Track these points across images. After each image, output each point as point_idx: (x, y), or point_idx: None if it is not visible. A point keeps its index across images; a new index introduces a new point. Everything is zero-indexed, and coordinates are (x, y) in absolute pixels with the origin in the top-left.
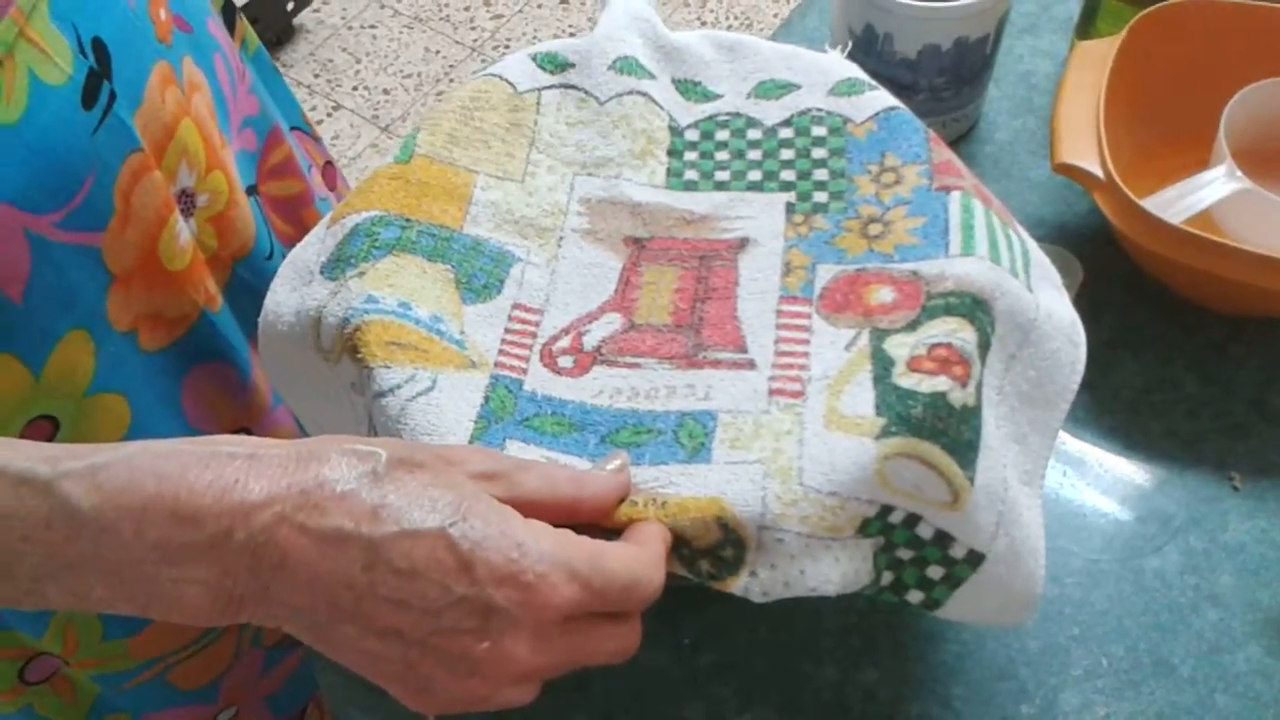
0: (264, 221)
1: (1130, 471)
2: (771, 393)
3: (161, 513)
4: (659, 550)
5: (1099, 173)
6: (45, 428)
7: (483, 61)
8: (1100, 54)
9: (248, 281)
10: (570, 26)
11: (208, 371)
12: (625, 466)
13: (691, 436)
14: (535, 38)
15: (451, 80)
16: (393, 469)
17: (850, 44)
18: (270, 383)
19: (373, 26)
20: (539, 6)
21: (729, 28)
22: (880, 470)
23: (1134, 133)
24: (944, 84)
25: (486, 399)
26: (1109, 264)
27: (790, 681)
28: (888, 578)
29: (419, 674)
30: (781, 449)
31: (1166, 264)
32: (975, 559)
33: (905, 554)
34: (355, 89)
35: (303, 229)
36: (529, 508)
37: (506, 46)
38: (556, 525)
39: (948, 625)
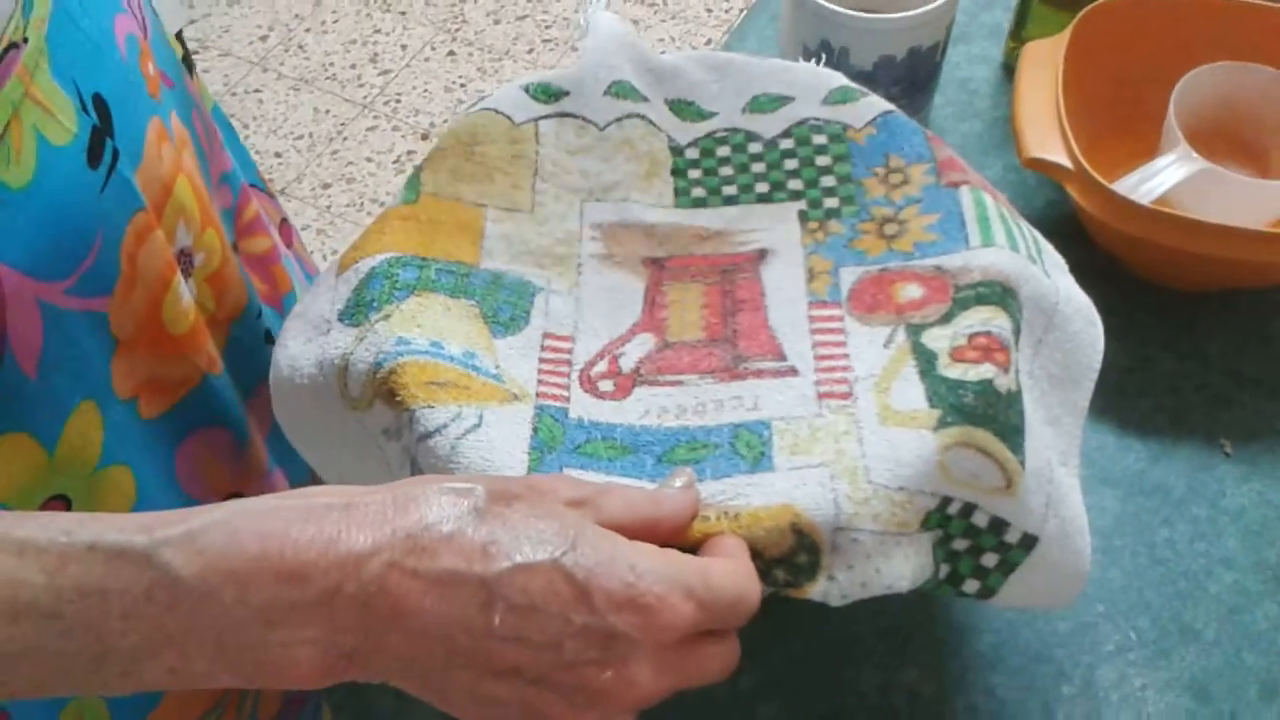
0: (247, 280)
1: (1127, 450)
2: (820, 396)
3: (266, 574)
4: (749, 562)
5: (1067, 163)
6: (58, 509)
7: (375, 118)
8: (1047, 53)
9: (243, 342)
10: (460, 78)
11: (204, 437)
12: (693, 482)
13: (749, 447)
14: (425, 91)
15: (345, 139)
16: (493, 503)
17: (823, 58)
18: (275, 448)
19: (257, 91)
20: (425, 60)
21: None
22: (942, 461)
23: (1084, 125)
24: (899, 93)
25: (535, 430)
26: (1071, 253)
27: (834, 690)
28: (944, 570)
29: (536, 712)
30: (844, 449)
31: (1136, 245)
32: (1029, 542)
33: (961, 544)
34: None
35: (274, 286)
36: (614, 530)
37: (398, 101)
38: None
39: (980, 616)
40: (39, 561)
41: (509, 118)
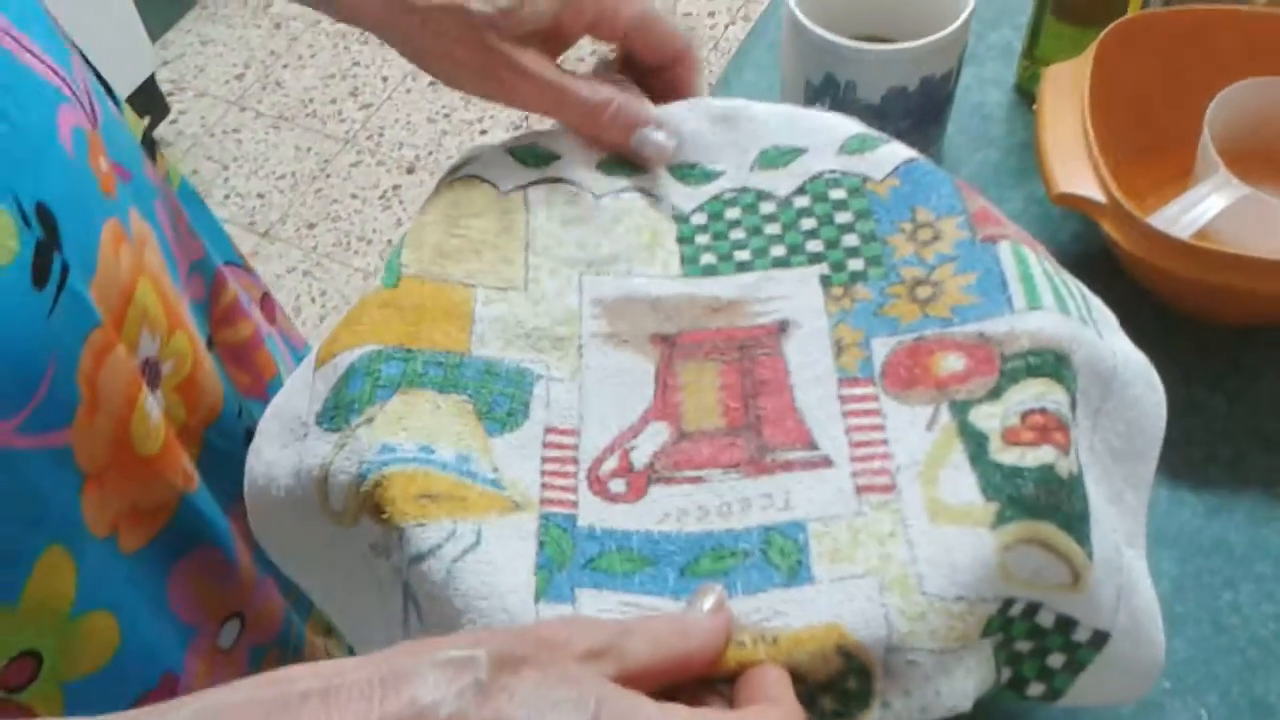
0: (226, 378)
1: (1181, 505)
2: (859, 490)
3: None
4: (794, 703)
5: (1100, 197)
6: (27, 665)
7: (358, 153)
8: (1069, 78)
9: (221, 448)
10: (444, 107)
11: (192, 562)
12: (723, 601)
13: (784, 554)
14: (409, 123)
15: (328, 176)
16: (497, 673)
17: (828, 102)
18: (262, 555)
19: (236, 131)
20: (407, 91)
21: None
22: (1002, 563)
23: (1110, 152)
24: (909, 126)
25: (541, 544)
26: (1106, 290)
27: None
28: (1006, 674)
29: None
30: (890, 555)
31: (1179, 282)
32: (1099, 639)
33: (1024, 646)
34: (227, 197)
35: (257, 375)
36: (642, 678)
37: (381, 135)
38: (669, 686)
39: (1033, 706)
40: None
41: (494, 185)
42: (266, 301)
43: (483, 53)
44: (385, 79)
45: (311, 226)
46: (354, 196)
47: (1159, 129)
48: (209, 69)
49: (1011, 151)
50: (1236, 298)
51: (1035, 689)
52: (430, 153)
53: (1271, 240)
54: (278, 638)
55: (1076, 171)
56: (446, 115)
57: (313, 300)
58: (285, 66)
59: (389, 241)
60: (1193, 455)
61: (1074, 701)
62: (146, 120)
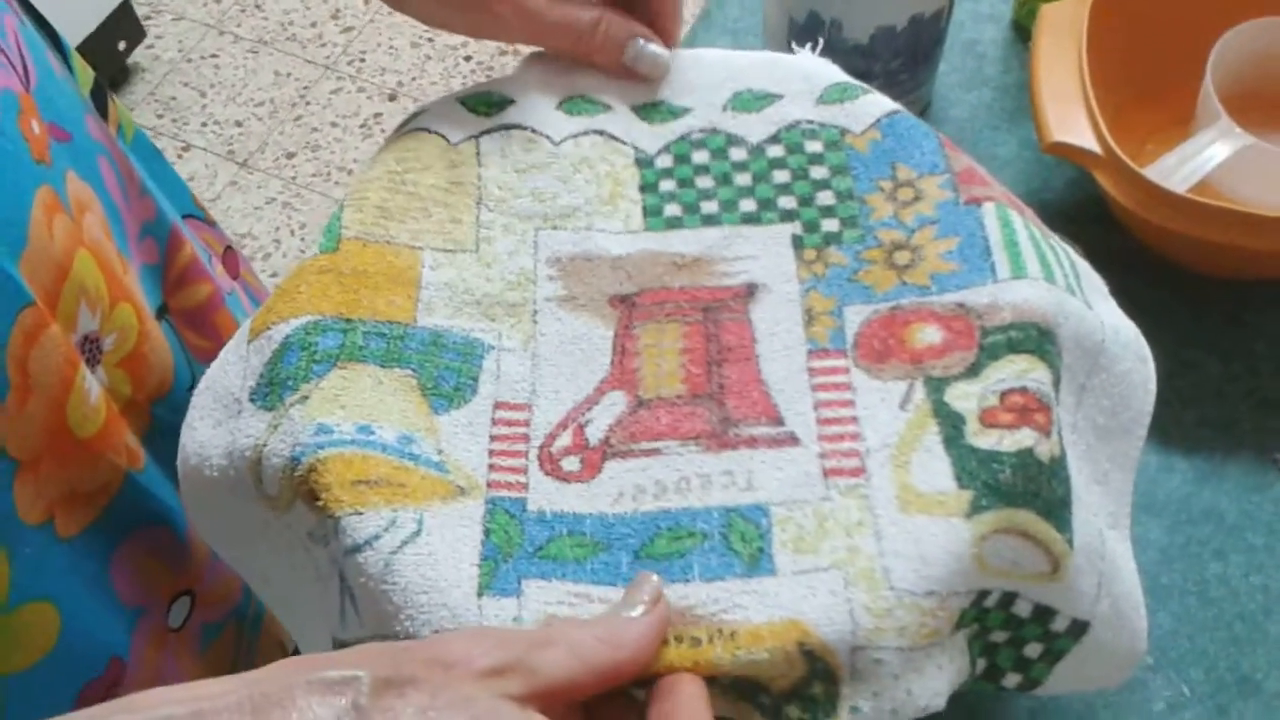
0: (180, 347)
1: (1171, 472)
2: (826, 473)
3: None
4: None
5: (1095, 148)
6: None
7: (338, 79)
8: (1067, 18)
9: (171, 424)
10: (427, 32)
11: (137, 541)
12: (658, 596)
13: (745, 540)
14: (391, 48)
15: (308, 103)
16: (379, 696)
17: (821, 42)
18: (202, 539)
19: (214, 56)
20: (390, 14)
21: None
22: (978, 554)
23: (1108, 99)
24: (899, 67)
25: (487, 532)
26: (1101, 241)
27: None
28: (981, 665)
29: None
30: (857, 547)
31: (1177, 238)
32: (1078, 629)
33: (999, 636)
34: (204, 125)
35: (219, 338)
36: (560, 694)
37: (362, 60)
38: (596, 695)
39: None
40: None
41: (444, 137)
42: (229, 255)
43: None
44: (367, 1)
45: (291, 156)
46: (334, 125)
47: (1159, 72)
48: None
49: (1007, 91)
50: (1236, 254)
51: (1011, 680)
52: (414, 78)
53: (1274, 192)
54: (234, 612)
55: (1071, 119)
56: (430, 40)
57: (292, 233)
58: None
59: None
60: (1184, 418)
61: (1051, 690)
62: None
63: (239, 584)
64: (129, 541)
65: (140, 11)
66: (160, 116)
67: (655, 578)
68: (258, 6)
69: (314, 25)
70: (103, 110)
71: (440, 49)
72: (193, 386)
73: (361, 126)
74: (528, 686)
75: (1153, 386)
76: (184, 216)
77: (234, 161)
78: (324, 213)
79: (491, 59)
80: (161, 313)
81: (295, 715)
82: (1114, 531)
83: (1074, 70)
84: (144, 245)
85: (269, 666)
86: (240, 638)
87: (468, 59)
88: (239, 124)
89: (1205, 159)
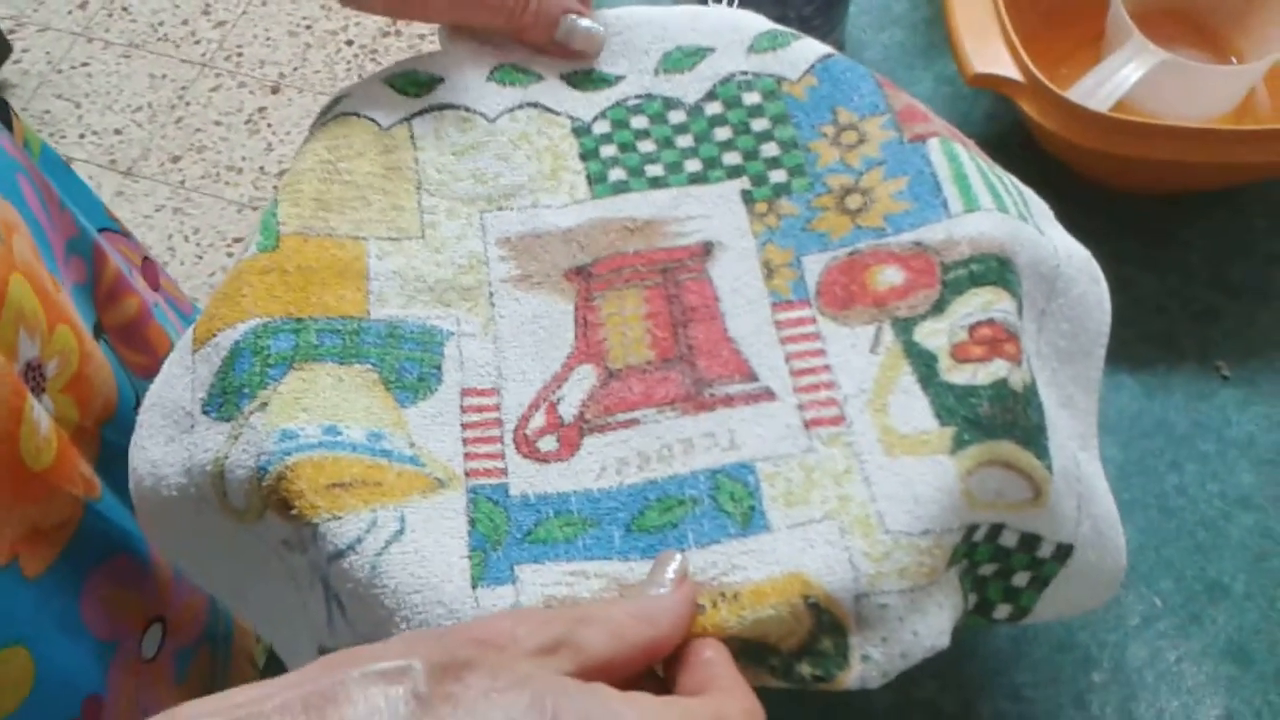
0: (120, 365)
1: (1119, 389)
2: (807, 425)
3: None
4: (745, 690)
5: (1018, 76)
6: None
7: (217, 76)
8: None
9: (121, 445)
10: (304, 19)
11: (104, 573)
12: (684, 570)
13: (735, 500)
14: (268, 39)
15: (188, 104)
16: (438, 681)
17: None
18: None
19: (85, 64)
20: (264, 3)
21: None
22: (966, 489)
23: (1020, 23)
24: (813, 12)
25: (473, 523)
26: (1026, 169)
27: (845, 717)
28: (972, 600)
29: None
30: (848, 495)
31: (1102, 158)
32: (1063, 553)
33: (988, 569)
34: (83, 136)
35: (154, 353)
36: (603, 671)
37: (240, 54)
38: (635, 675)
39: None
40: None
41: (374, 121)
42: (148, 266)
43: None
44: None
45: (176, 160)
46: (217, 123)
47: None
48: (49, 0)
49: (917, 29)
50: (1165, 169)
51: (1001, 611)
52: (295, 68)
53: (1194, 105)
54: (204, 634)
55: (989, 51)
56: (308, 27)
57: (186, 239)
58: None
59: (261, 169)
60: (1126, 335)
61: (1039, 618)
62: None
63: (205, 603)
64: (96, 573)
65: (4, 26)
66: (36, 132)
67: (679, 555)
68: (125, 9)
69: (185, 23)
70: (7, 124)
71: (320, 35)
72: (138, 405)
73: (247, 123)
74: (576, 663)
75: (1108, 305)
76: (100, 230)
77: (117, 171)
78: (217, 215)
79: (374, 41)
80: (98, 331)
81: (354, 709)
82: (1085, 454)
83: (987, 2)
84: (71, 263)
85: (305, 669)
86: (214, 659)
87: (349, 43)
88: (118, 132)
89: (1123, 78)
